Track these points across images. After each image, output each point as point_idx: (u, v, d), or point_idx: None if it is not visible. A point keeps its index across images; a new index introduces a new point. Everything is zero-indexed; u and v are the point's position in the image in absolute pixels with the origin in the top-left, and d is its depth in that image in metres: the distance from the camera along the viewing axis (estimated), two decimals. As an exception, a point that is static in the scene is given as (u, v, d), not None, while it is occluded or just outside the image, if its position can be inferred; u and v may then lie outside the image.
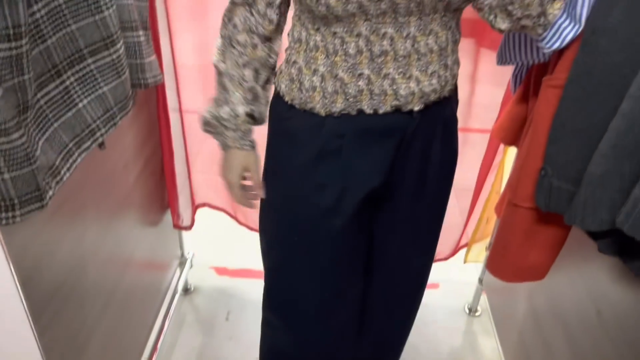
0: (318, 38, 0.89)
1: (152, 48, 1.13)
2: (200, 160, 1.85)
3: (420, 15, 0.85)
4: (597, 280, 1.09)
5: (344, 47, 0.87)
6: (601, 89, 0.84)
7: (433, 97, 0.94)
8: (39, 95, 0.82)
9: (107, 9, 0.89)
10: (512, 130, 1.16)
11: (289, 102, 0.95)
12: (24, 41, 0.71)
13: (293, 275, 1.09)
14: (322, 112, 0.92)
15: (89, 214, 1.11)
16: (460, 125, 1.26)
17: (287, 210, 1.04)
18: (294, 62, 0.94)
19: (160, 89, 1.44)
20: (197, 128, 1.06)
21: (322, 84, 0.90)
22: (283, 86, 0.97)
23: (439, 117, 0.99)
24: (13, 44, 0.70)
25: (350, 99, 0.90)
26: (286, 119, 0.98)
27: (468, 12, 0.95)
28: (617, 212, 0.82)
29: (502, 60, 1.08)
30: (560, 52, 0.93)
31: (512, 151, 1.63)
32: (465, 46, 2.35)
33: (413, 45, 0.87)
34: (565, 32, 0.87)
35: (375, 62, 0.87)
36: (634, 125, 0.78)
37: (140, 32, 1.04)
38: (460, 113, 1.18)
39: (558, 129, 0.92)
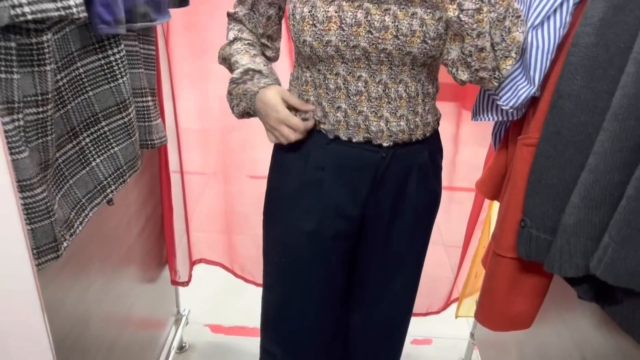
0: (308, 74, 1.05)
1: (159, 112, 1.22)
2: (198, 219, 1.91)
3: (390, 66, 0.98)
4: (580, 327, 1.14)
5: (326, 82, 1.02)
6: (569, 146, 0.93)
7: (401, 136, 1.05)
8: (58, 155, 0.89)
9: (122, 77, 0.98)
10: (493, 185, 1.24)
11: None
12: (49, 106, 0.79)
13: (281, 294, 1.20)
14: (307, 136, 1.05)
15: (93, 268, 1.16)
16: (446, 184, 1.34)
17: (278, 234, 1.16)
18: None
19: (162, 150, 1.53)
20: (197, 188, 1.15)
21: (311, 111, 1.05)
22: None
23: (413, 160, 1.10)
24: (40, 109, 0.78)
25: (331, 126, 1.04)
26: (281, 149, 1.11)
27: (449, 77, 1.06)
28: (590, 258, 0.89)
29: (474, 116, 1.18)
30: (533, 114, 1.03)
31: (497, 207, 1.71)
32: (450, 109, 2.51)
33: (384, 91, 1.00)
34: (520, 92, 0.97)
35: (352, 99, 1.01)
36: (600, 179, 0.86)
37: (149, 98, 1.13)
38: (446, 172, 1.27)
39: (534, 183, 1.00)
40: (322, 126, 1.06)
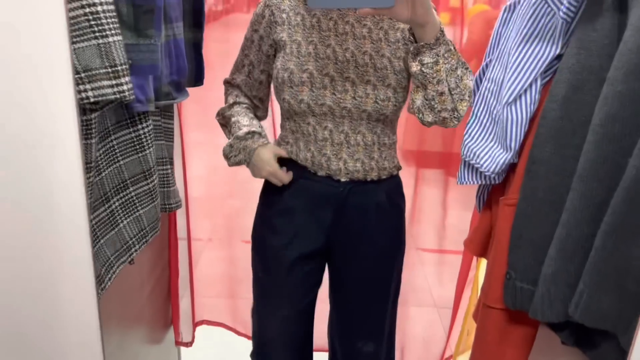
0: (287, 124, 1.30)
1: (174, 179, 1.34)
2: (202, 284, 2.00)
3: (350, 120, 1.22)
4: (567, 374, 1.23)
5: (300, 129, 1.26)
6: (544, 205, 1.06)
7: (357, 175, 1.27)
8: (92, 217, 1.00)
9: (149, 148, 1.11)
10: (480, 243, 1.36)
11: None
12: (91, 174, 0.91)
13: (261, 309, 1.40)
14: (285, 169, 1.28)
15: (111, 327, 1.24)
16: (435, 247, 1.49)
17: (257, 254, 1.39)
18: (279, 141, 1.34)
19: (172, 216, 1.63)
20: (202, 253, 1.26)
21: (290, 148, 1.29)
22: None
23: (370, 198, 1.30)
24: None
25: (301, 161, 1.28)
26: (267, 187, 1.34)
27: (436, 146, 1.22)
28: (569, 304, 0.99)
29: (460, 180, 1.31)
30: (512, 178, 1.16)
31: (484, 267, 1.82)
32: (437, 176, 2.67)
33: (345, 138, 1.24)
34: (499, 158, 1.12)
35: (318, 144, 1.25)
36: (572, 233, 0.98)
37: (168, 166, 1.26)
38: (435, 235, 1.43)
39: (516, 239, 1.12)
40: (294, 166, 1.29)
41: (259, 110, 1.39)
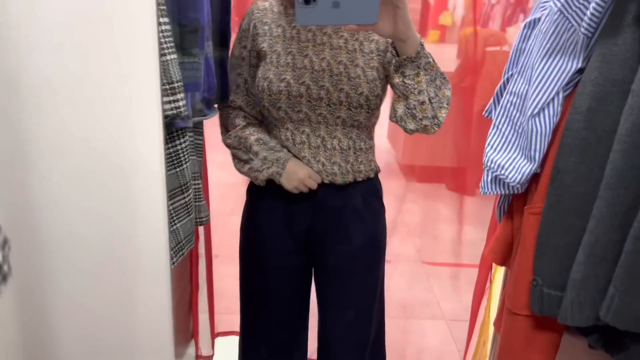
0: (268, 130, 1.38)
1: (203, 193, 1.37)
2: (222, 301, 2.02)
3: (326, 125, 1.30)
4: (592, 379, 1.26)
5: (279, 134, 1.34)
6: (570, 213, 1.10)
7: (334, 178, 1.34)
8: (135, 230, 1.02)
9: (185, 162, 1.14)
10: (502, 252, 1.39)
11: None
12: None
13: (249, 309, 1.51)
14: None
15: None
16: (452, 261, 1.55)
17: (243, 254, 1.50)
18: None
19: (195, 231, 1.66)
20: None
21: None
22: None
23: (346, 200, 1.37)
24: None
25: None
26: (254, 190, 1.43)
27: (438, 161, 1.28)
28: (599, 308, 1.03)
29: (483, 190, 1.35)
30: (535, 187, 1.21)
31: (499, 280, 1.85)
32: (437, 191, 2.69)
33: (322, 142, 1.31)
34: (523, 169, 1.16)
35: (297, 147, 1.32)
36: (600, 239, 1.02)
37: (199, 181, 1.29)
38: (450, 249, 1.46)
39: (542, 246, 1.16)
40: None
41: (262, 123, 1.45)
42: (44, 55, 0.59)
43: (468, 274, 2.45)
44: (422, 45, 1.17)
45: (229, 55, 1.39)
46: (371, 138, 1.41)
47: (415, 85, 1.17)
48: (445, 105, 1.23)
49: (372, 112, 1.32)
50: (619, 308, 0.98)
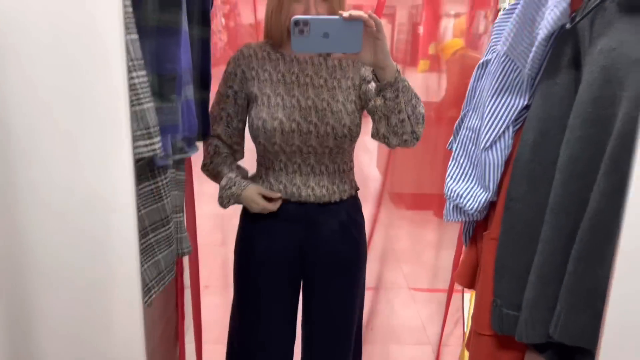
0: (263, 162, 1.52)
1: (185, 226, 1.46)
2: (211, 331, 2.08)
3: (315, 154, 1.46)
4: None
5: (273, 165, 1.49)
6: (523, 238, 1.19)
7: (323, 199, 1.49)
8: (119, 261, 1.11)
9: (166, 197, 1.23)
10: (468, 276, 1.48)
11: None
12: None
13: (242, 322, 1.61)
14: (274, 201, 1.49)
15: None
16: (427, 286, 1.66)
17: (238, 270, 1.60)
18: (254, 175, 1.57)
19: (179, 263, 1.74)
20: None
21: (262, 183, 1.52)
22: None
23: (334, 216, 1.52)
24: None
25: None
26: (244, 209, 1.57)
27: (426, 188, 1.37)
28: (549, 325, 1.11)
29: (446, 218, 1.44)
30: (493, 214, 1.30)
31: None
32: (426, 217, 2.80)
33: (312, 169, 1.47)
34: (480, 198, 1.25)
35: (290, 176, 1.48)
36: (547, 260, 1.11)
37: (180, 214, 1.38)
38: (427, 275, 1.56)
39: (500, 269, 1.25)
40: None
41: (237, 153, 1.59)
42: (32, 110, 0.69)
43: (455, 299, 2.52)
44: (399, 71, 1.32)
45: (209, 95, 1.51)
46: (352, 160, 1.58)
47: (395, 106, 1.30)
48: (421, 121, 1.37)
49: (354, 138, 1.49)
50: (564, 324, 1.06)
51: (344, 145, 1.47)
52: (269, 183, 1.51)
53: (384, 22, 1.24)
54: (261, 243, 1.54)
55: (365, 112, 1.50)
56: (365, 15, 1.16)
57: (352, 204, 1.59)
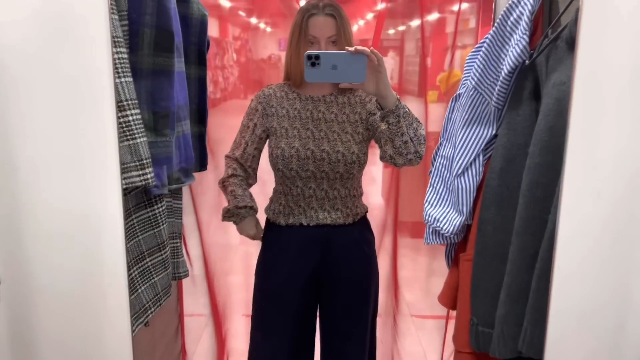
0: (280, 187, 1.63)
1: (183, 251, 1.55)
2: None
3: (328, 179, 1.58)
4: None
5: (291, 190, 1.60)
6: (494, 258, 1.26)
7: (338, 221, 1.61)
8: (117, 283, 1.20)
9: (162, 224, 1.33)
10: (451, 297, 1.54)
11: (269, 219, 1.67)
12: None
13: (260, 339, 1.69)
14: (283, 223, 1.62)
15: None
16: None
17: (259, 289, 1.69)
18: (272, 200, 1.67)
19: (180, 290, 1.82)
20: (197, 328, 1.43)
21: (283, 209, 1.62)
22: (270, 212, 1.67)
23: (348, 237, 1.63)
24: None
25: (296, 217, 1.62)
26: (266, 231, 1.67)
27: (415, 216, 1.46)
28: (518, 340, 1.18)
29: (427, 241, 1.52)
30: (469, 237, 1.38)
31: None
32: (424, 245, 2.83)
33: (326, 194, 1.60)
34: (455, 221, 1.33)
35: (307, 200, 1.60)
36: (515, 280, 1.18)
37: (178, 240, 1.47)
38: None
39: (475, 289, 1.32)
40: (290, 221, 1.62)
41: (251, 177, 1.71)
42: (33, 143, 0.80)
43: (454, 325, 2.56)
44: (399, 99, 1.46)
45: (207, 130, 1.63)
46: (360, 186, 1.72)
47: (398, 130, 1.42)
48: (423, 142, 1.47)
49: (362, 165, 1.62)
50: (530, 339, 1.13)
51: (353, 171, 1.60)
52: (289, 208, 1.63)
53: (392, 54, 1.39)
54: (280, 264, 1.65)
55: (372, 142, 1.64)
56: (368, 50, 1.31)
57: (363, 223, 1.72)
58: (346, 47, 1.32)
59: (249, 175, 1.71)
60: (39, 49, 0.77)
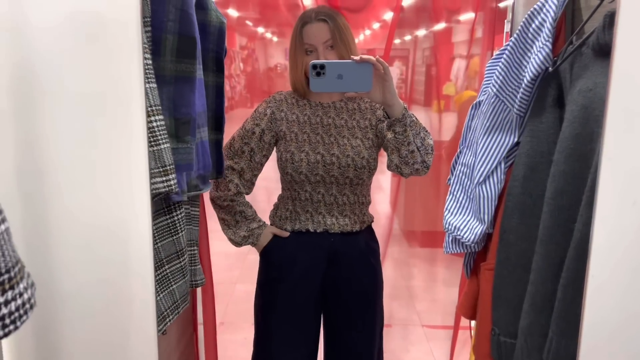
0: (287, 192, 1.63)
1: (199, 259, 1.54)
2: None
3: (337, 184, 1.58)
4: None
5: (299, 196, 1.61)
6: (517, 268, 1.25)
7: (345, 228, 1.62)
8: (136, 290, 1.19)
9: (181, 231, 1.32)
10: (470, 307, 1.52)
11: (274, 226, 1.67)
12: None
13: (267, 336, 1.69)
14: (289, 228, 1.63)
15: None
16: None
17: (262, 298, 1.69)
18: (278, 206, 1.69)
19: (194, 299, 1.81)
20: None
21: (290, 214, 1.63)
22: (275, 218, 1.68)
23: (354, 245, 1.64)
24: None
25: (302, 223, 1.62)
26: (275, 241, 1.66)
27: (439, 226, 1.44)
28: (542, 351, 1.16)
29: (446, 250, 1.51)
30: (490, 245, 1.36)
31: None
32: (434, 254, 2.82)
33: (335, 199, 1.60)
34: (476, 230, 1.31)
35: (315, 205, 1.60)
36: (539, 289, 1.17)
37: (195, 247, 1.46)
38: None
39: (496, 299, 1.30)
40: (296, 227, 1.63)
41: (253, 186, 1.71)
42: (64, 149, 0.80)
43: (465, 335, 2.55)
44: (406, 108, 1.45)
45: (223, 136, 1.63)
46: (369, 194, 1.71)
47: (404, 139, 1.43)
48: (430, 152, 1.48)
49: (372, 171, 1.62)
50: (556, 350, 1.11)
51: (362, 176, 1.59)
52: (296, 213, 1.63)
53: (399, 64, 1.39)
54: (286, 273, 1.64)
55: (382, 149, 1.64)
56: (374, 59, 1.29)
57: (369, 232, 1.72)
58: (351, 57, 1.31)
59: (249, 188, 1.71)
60: (70, 55, 0.77)
